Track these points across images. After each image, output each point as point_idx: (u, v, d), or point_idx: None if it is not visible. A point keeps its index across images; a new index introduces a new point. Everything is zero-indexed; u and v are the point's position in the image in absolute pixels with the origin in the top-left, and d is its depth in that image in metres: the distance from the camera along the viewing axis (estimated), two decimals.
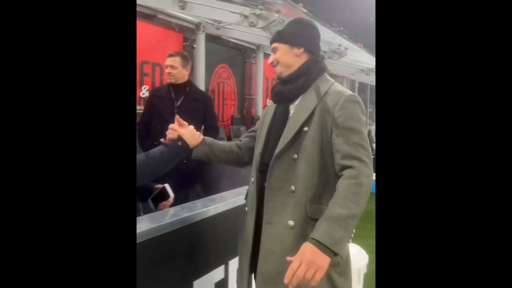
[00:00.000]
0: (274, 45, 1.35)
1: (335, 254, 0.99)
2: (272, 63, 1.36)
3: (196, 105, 2.57)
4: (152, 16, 3.98)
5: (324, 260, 0.98)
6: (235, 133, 6.45)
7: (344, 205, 1.03)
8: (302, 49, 1.31)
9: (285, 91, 1.33)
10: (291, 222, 1.13)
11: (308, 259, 0.97)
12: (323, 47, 3.49)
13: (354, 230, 1.08)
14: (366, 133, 1.17)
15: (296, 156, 1.18)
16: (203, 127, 2.54)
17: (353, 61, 9.11)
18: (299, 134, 1.20)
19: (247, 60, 6.97)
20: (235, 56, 6.76)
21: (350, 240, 1.11)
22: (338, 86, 1.27)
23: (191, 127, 1.35)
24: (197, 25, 4.83)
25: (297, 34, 1.34)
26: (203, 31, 4.93)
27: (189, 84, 2.63)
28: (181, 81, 2.58)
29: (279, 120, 1.30)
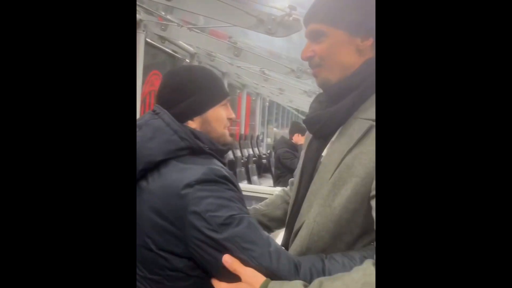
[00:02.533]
0: (320, 26, 0.78)
1: None
2: (311, 59, 0.81)
3: None
4: None
5: None
6: None
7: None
8: (371, 40, 0.79)
9: (324, 118, 0.82)
10: None
11: None
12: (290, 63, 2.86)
13: None
14: None
15: None
16: None
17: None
18: None
19: None
20: (167, 62, 6.05)
21: None
22: None
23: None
24: (138, 23, 4.08)
25: (361, 11, 0.77)
26: (143, 30, 4.18)
27: None
28: None
29: (308, 167, 0.86)
